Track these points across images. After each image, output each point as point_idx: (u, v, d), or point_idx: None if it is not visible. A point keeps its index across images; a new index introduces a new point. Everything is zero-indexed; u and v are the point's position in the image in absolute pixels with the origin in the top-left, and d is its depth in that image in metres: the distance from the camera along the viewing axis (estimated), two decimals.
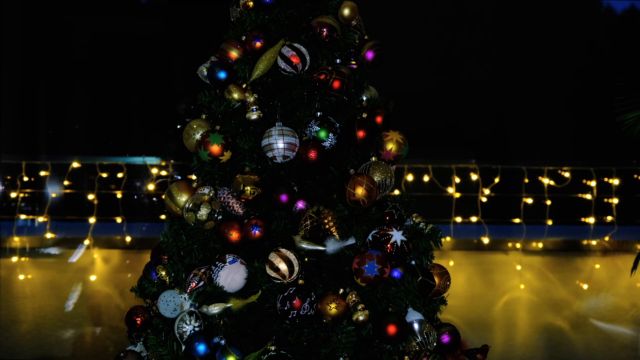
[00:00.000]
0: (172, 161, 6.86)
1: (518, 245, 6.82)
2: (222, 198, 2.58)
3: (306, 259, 2.52)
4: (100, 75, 8.72)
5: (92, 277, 6.16)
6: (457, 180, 6.91)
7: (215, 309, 2.44)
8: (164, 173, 6.84)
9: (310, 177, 2.65)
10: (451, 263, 6.41)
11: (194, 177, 2.76)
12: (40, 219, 6.84)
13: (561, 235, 7.11)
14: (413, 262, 2.64)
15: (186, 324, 2.47)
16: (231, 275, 2.47)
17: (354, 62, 2.81)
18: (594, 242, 6.95)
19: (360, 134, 2.64)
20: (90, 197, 6.76)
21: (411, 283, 2.53)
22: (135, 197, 7.39)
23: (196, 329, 2.47)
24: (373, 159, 2.69)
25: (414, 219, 2.77)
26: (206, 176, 2.67)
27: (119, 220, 6.81)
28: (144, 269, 2.79)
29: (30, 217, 7.04)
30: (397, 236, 2.53)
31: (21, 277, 6.23)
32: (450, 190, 6.89)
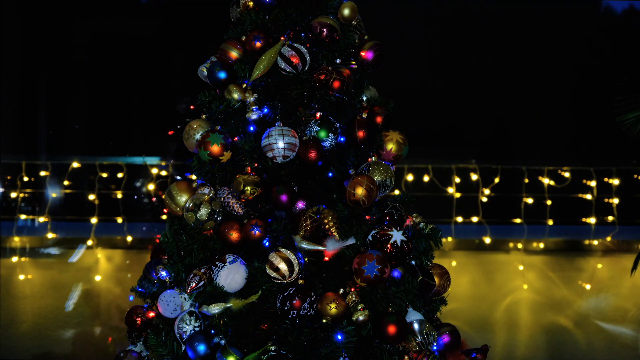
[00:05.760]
0: (172, 161, 6.86)
1: (519, 245, 6.82)
2: (222, 198, 2.57)
3: (306, 259, 2.52)
4: (100, 75, 8.72)
5: (93, 277, 6.16)
6: (457, 180, 6.90)
7: (215, 309, 2.44)
8: (164, 173, 6.84)
9: (310, 177, 2.65)
10: (454, 263, 6.40)
11: (194, 177, 2.75)
12: (41, 219, 6.84)
13: (562, 236, 7.10)
14: (413, 262, 2.63)
15: (186, 324, 2.47)
16: (231, 275, 2.46)
17: (354, 62, 2.81)
18: (595, 242, 6.95)
19: (360, 134, 2.64)
20: (91, 197, 6.76)
21: (411, 283, 2.53)
22: (135, 197, 7.39)
23: (196, 329, 2.47)
24: (373, 159, 2.69)
25: (414, 219, 2.77)
26: (206, 176, 2.67)
27: (119, 220, 6.81)
28: (144, 269, 2.79)
29: (31, 217, 7.04)
30: (397, 236, 2.53)
31: (21, 277, 6.23)
32: (450, 190, 6.89)
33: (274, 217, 2.61)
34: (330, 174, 2.64)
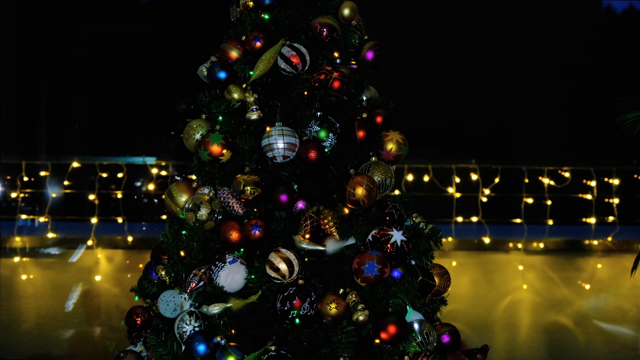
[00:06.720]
0: (172, 161, 6.87)
1: (519, 245, 6.82)
2: (222, 198, 2.57)
3: (306, 259, 2.52)
4: (100, 75, 8.72)
5: (93, 277, 6.16)
6: (457, 180, 6.91)
7: (215, 309, 2.44)
8: (164, 173, 6.85)
9: (310, 177, 2.65)
10: (454, 263, 6.40)
11: (194, 177, 2.75)
12: (41, 219, 6.84)
13: (562, 236, 7.11)
14: (413, 262, 2.63)
15: (186, 324, 2.47)
16: (231, 275, 2.46)
17: (354, 62, 2.80)
18: (595, 242, 6.95)
19: (360, 134, 2.64)
20: (91, 197, 6.76)
21: (411, 283, 2.52)
22: (135, 197, 7.39)
23: (196, 329, 2.47)
24: (373, 159, 2.69)
25: (414, 219, 2.77)
26: (206, 176, 2.67)
27: (119, 220, 6.81)
28: (144, 269, 2.79)
29: (31, 217, 7.05)
30: (397, 236, 2.53)
31: (21, 277, 6.23)
32: (450, 190, 6.89)
33: (274, 217, 2.61)
34: (330, 174, 2.64)
